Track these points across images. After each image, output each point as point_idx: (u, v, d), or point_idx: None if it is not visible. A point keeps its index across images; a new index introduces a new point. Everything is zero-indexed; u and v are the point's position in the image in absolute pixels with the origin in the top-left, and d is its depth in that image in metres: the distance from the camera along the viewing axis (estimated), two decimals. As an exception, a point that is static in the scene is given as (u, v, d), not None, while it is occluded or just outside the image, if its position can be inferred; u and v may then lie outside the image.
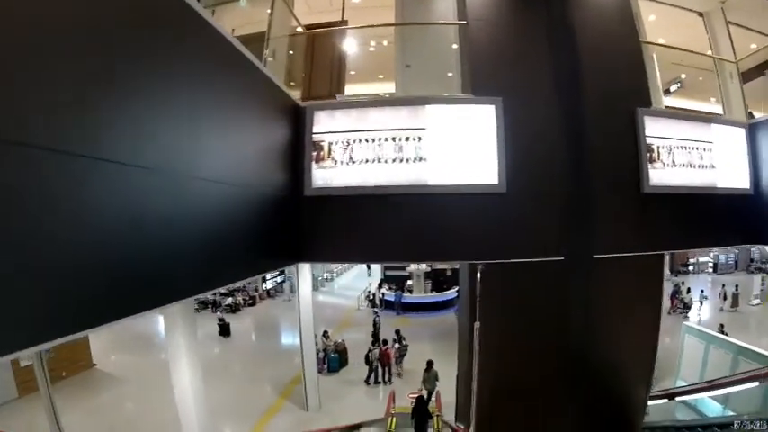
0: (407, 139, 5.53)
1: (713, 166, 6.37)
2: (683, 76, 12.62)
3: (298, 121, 5.69)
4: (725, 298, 23.25)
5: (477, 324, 5.36)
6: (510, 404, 5.75)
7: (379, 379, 14.91)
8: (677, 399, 9.69)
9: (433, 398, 11.63)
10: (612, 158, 5.84)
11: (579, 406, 5.73)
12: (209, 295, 27.57)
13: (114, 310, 2.47)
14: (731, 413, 9.03)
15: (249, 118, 4.53)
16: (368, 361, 14.85)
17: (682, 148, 6.18)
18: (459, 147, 5.53)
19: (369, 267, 40.96)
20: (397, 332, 16.70)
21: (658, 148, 5.97)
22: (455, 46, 7.54)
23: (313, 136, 5.67)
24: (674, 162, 6.08)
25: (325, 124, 5.70)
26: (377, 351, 14.97)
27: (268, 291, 30.25)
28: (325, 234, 5.62)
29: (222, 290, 29.25)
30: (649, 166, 5.86)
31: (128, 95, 2.53)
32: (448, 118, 5.60)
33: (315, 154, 5.63)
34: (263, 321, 23.47)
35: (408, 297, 25.52)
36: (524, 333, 5.64)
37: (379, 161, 5.51)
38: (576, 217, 5.63)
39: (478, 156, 5.52)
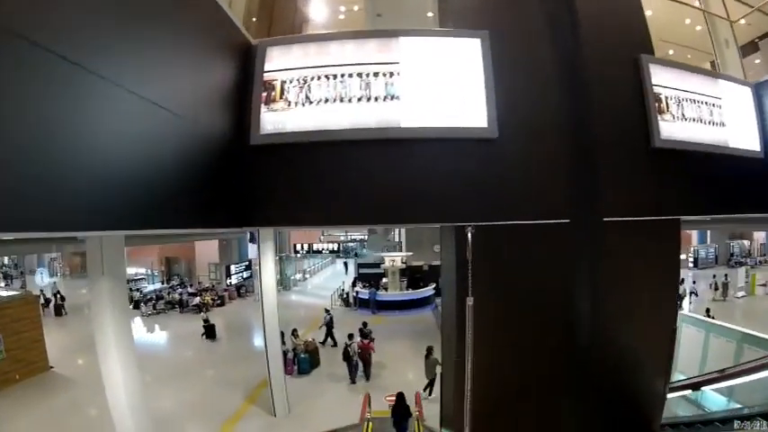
0: (376, 74, 4.52)
1: (723, 124, 5.61)
2: (671, 52, 12.10)
3: (248, 61, 4.72)
4: (716, 288, 24.41)
5: (469, 300, 4.29)
6: (510, 403, 4.77)
7: (356, 378, 14.03)
8: (703, 389, 8.73)
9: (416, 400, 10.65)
10: (617, 107, 4.95)
11: (590, 402, 4.79)
12: (176, 295, 26.39)
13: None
14: (737, 405, 8.28)
15: (195, 47, 3.90)
16: (347, 357, 13.91)
17: (690, 101, 5.37)
18: (438, 84, 4.53)
19: (346, 266, 40.38)
20: (365, 324, 15.89)
21: (666, 98, 5.14)
22: (430, 14, 6.68)
23: (264, 75, 4.65)
24: (683, 115, 5.25)
25: (278, 61, 4.68)
26: (355, 345, 14.06)
27: (238, 290, 29.18)
28: (276, 193, 4.55)
29: (190, 289, 28.17)
30: (659, 118, 5.00)
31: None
32: (425, 52, 4.61)
33: (265, 95, 4.60)
34: (232, 322, 22.29)
35: (384, 295, 24.75)
36: (523, 313, 4.63)
37: (341, 100, 4.48)
38: (581, 172, 4.70)
39: (463, 95, 4.52)
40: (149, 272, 37.41)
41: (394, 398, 9.79)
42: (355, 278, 29.28)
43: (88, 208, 2.51)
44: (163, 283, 34.26)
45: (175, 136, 3.48)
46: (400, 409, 9.61)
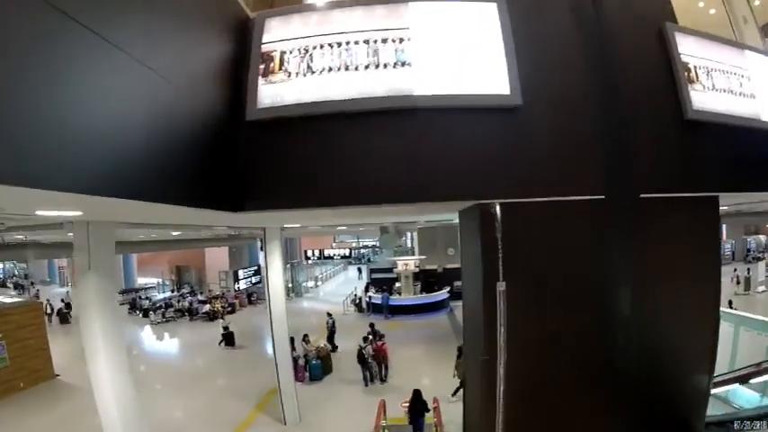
0: (385, 41, 4.09)
1: (753, 96, 5.11)
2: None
3: (245, 35, 4.36)
4: (738, 282, 24.85)
5: (500, 285, 3.74)
6: (543, 404, 4.26)
7: (375, 379, 13.80)
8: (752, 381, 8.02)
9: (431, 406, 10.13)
10: (645, 76, 4.52)
11: (628, 397, 4.28)
12: (185, 303, 26.12)
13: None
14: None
15: (191, 16, 3.66)
16: (361, 360, 13.60)
17: (719, 71, 4.91)
18: (454, 49, 4.09)
19: (360, 271, 40.10)
20: (372, 326, 15.70)
21: (695, 68, 4.70)
22: None
23: (262, 46, 4.24)
24: (714, 86, 4.79)
25: (277, 32, 4.28)
26: (370, 348, 13.83)
27: (249, 297, 28.81)
28: (275, 172, 4.11)
29: (200, 297, 27.94)
30: (689, 87, 4.54)
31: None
32: (438, 17, 4.18)
33: (262, 67, 4.19)
34: (242, 329, 21.76)
35: (397, 299, 24.33)
36: (555, 301, 4.16)
37: (347, 69, 4.05)
38: (613, 144, 4.24)
39: (481, 61, 4.08)
40: (161, 281, 37.29)
41: (409, 403, 9.58)
42: (368, 283, 29.02)
43: (73, 167, 2.29)
44: (173, 292, 34.09)
45: (169, 107, 3.20)
46: (417, 405, 9.48)
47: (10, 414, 12.25)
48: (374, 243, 47.34)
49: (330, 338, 17.33)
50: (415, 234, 30.48)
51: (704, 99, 4.60)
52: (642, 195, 4.22)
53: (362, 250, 50.55)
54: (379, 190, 4.03)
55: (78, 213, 3.51)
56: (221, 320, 20.55)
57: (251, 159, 4.11)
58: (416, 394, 9.60)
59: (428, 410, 9.55)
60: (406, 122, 3.99)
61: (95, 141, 2.43)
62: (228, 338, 18.94)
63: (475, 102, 3.98)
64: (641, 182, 4.24)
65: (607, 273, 4.19)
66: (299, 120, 4.05)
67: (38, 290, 33.87)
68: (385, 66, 4.02)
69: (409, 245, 34.41)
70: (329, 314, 18.53)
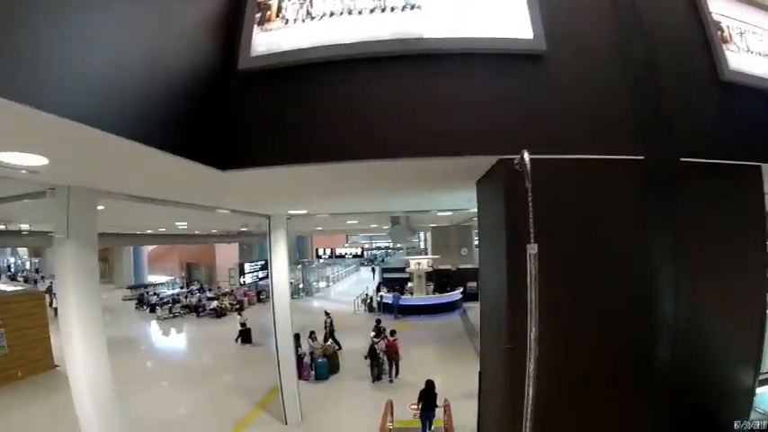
0: (392, -16, 3.65)
1: None
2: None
3: None
4: None
5: (532, 248, 3.08)
6: (574, 402, 3.71)
7: (384, 375, 13.52)
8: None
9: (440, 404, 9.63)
10: (677, 37, 4.10)
11: (670, 398, 3.77)
12: (194, 300, 25.91)
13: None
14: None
15: None
16: (372, 355, 13.40)
17: (752, 33, 4.50)
18: (468, -9, 3.64)
19: (373, 271, 39.83)
20: (378, 321, 15.34)
21: (728, 27, 4.29)
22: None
23: (258, -6, 3.84)
24: (748, 48, 4.38)
25: (274, -16, 3.86)
26: (382, 343, 13.56)
27: (258, 295, 28.48)
28: (269, 124, 3.71)
29: (209, 294, 27.75)
30: (724, 47, 4.13)
31: None
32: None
33: (258, 16, 3.79)
34: (252, 326, 21.49)
35: (408, 299, 23.95)
36: (587, 279, 3.69)
37: (349, 13, 3.62)
38: (648, 100, 3.77)
39: (500, 4, 3.63)
40: (172, 279, 37.26)
41: (416, 406, 9.32)
42: (379, 283, 28.76)
43: (52, 89, 2.17)
44: (182, 288, 34.01)
45: (158, 50, 3.01)
46: (429, 397, 9.28)
47: (6, 401, 12.11)
48: (387, 244, 47.24)
49: (328, 338, 16.73)
50: (428, 234, 30.15)
51: (740, 60, 4.19)
52: (682, 159, 3.72)
53: (375, 251, 50.71)
54: (384, 142, 3.59)
55: (44, 161, 3.11)
56: (239, 317, 20.09)
57: (241, 112, 3.73)
58: (429, 386, 9.32)
59: (437, 406, 9.30)
60: (415, 68, 3.55)
61: (76, 70, 2.32)
62: (245, 335, 18.67)
63: (494, 46, 3.52)
64: (680, 144, 3.77)
65: (647, 248, 3.68)
66: (296, 69, 3.64)
67: (51, 282, 34.03)
68: (392, 9, 3.58)
69: (422, 246, 34.00)
70: (327, 313, 18.05)
